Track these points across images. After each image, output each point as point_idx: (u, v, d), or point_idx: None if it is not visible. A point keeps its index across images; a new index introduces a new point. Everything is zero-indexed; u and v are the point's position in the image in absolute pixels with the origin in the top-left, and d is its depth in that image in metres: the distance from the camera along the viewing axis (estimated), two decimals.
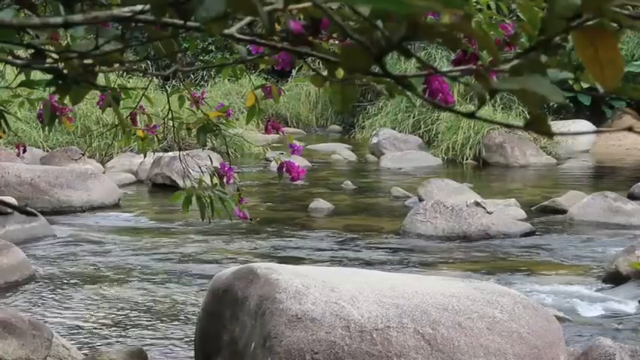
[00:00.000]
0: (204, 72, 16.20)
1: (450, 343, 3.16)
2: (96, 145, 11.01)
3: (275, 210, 8.64)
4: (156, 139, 3.25)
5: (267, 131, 2.88)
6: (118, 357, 4.01)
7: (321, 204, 8.60)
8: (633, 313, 5.23)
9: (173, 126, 3.01)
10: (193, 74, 15.51)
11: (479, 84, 0.81)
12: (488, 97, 0.80)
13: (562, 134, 0.83)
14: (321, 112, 17.13)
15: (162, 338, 4.75)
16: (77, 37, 1.22)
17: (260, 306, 3.39)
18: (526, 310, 3.43)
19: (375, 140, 13.16)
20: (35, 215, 1.62)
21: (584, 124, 13.52)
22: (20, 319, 4.00)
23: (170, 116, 2.95)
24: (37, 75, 3.02)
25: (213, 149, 9.52)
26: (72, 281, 5.89)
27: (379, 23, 0.79)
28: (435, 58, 14.03)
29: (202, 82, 16.05)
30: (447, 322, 3.22)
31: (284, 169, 2.60)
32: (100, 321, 5.03)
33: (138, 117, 3.07)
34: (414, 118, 13.93)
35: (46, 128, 9.76)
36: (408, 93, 0.89)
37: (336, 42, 1.21)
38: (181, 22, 0.99)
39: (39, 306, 5.33)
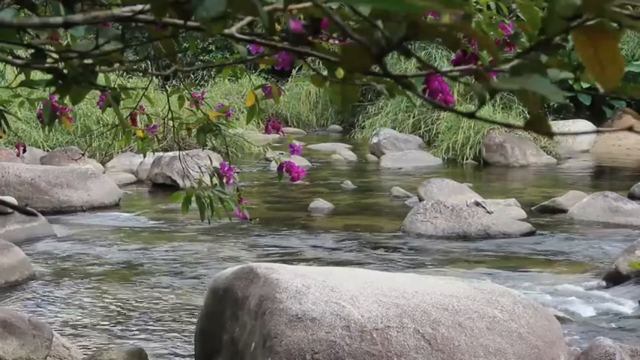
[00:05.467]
0: (204, 72, 16.20)
1: (450, 342, 3.16)
2: (96, 145, 11.02)
3: (275, 210, 8.64)
4: (156, 139, 3.25)
5: (267, 131, 2.88)
6: (118, 357, 4.01)
7: (321, 204, 8.60)
8: (633, 313, 5.23)
9: (173, 126, 3.01)
10: (193, 74, 15.52)
11: (479, 84, 0.81)
12: (488, 97, 0.80)
13: (562, 134, 0.83)
14: (321, 112, 17.14)
15: (162, 338, 4.75)
16: (77, 37, 1.22)
17: (260, 306, 3.39)
18: (526, 310, 3.43)
19: (375, 140, 13.16)
20: (35, 215, 1.62)
21: (584, 124, 13.53)
22: (20, 319, 4.00)
23: (170, 116, 2.95)
24: (37, 75, 3.02)
25: (213, 149, 9.53)
26: (72, 281, 5.89)
27: (379, 23, 0.79)
28: (435, 58, 14.03)
29: (202, 82, 16.06)
30: (447, 321, 3.22)
31: (284, 169, 2.60)
32: (100, 321, 5.03)
33: (138, 117, 3.07)
34: (414, 118, 13.93)
35: (46, 128, 9.77)
36: (408, 93, 0.89)
37: (336, 42, 1.21)
38: (181, 22, 0.99)
39: (39, 306, 5.33)
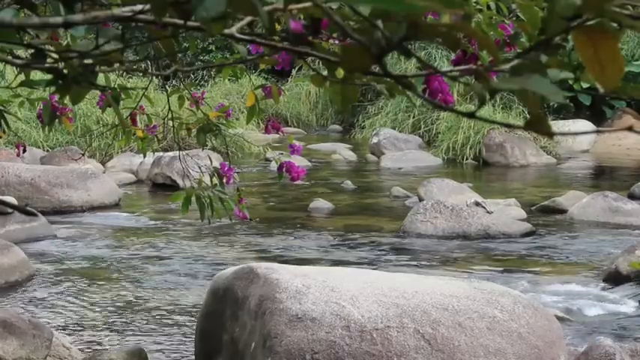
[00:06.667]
0: (204, 72, 16.20)
1: (450, 343, 3.16)
2: (96, 145, 11.02)
3: (275, 210, 8.64)
4: (156, 139, 3.25)
5: (267, 131, 2.89)
6: (118, 357, 4.01)
7: (321, 204, 8.60)
8: (633, 313, 5.23)
9: (173, 126, 3.01)
10: (193, 74, 15.52)
11: (479, 84, 0.81)
12: (488, 97, 0.80)
13: (562, 134, 0.83)
14: (321, 112, 17.14)
15: (162, 338, 4.75)
16: (77, 37, 1.22)
17: (260, 306, 3.39)
18: (526, 310, 3.43)
19: (375, 140, 13.16)
20: (35, 215, 1.62)
21: (584, 124, 13.53)
22: (20, 319, 4.00)
23: (170, 116, 2.95)
24: (37, 75, 3.02)
25: (213, 149, 9.53)
26: (72, 281, 5.89)
27: (379, 23, 0.79)
28: (435, 58, 14.03)
29: (202, 82, 16.06)
30: (447, 321, 3.22)
31: (284, 169, 2.60)
32: (100, 321, 5.03)
33: (138, 117, 3.07)
34: (414, 118, 13.93)
35: (46, 128, 9.77)
36: (408, 93, 0.89)
37: (336, 42, 1.21)
38: (181, 22, 0.99)
39: (39, 306, 5.33)
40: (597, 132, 13.24)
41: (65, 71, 1.20)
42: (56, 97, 2.12)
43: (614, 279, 5.75)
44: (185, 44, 4.99)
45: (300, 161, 10.40)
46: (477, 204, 7.65)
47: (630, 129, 0.81)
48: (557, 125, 12.55)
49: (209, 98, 4.09)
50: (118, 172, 10.37)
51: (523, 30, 0.95)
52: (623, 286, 5.63)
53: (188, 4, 0.87)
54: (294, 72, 16.28)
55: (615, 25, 0.75)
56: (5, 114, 2.30)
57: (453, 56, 1.31)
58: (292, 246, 7.00)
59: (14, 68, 1.60)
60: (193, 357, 4.15)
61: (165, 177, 9.74)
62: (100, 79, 1.39)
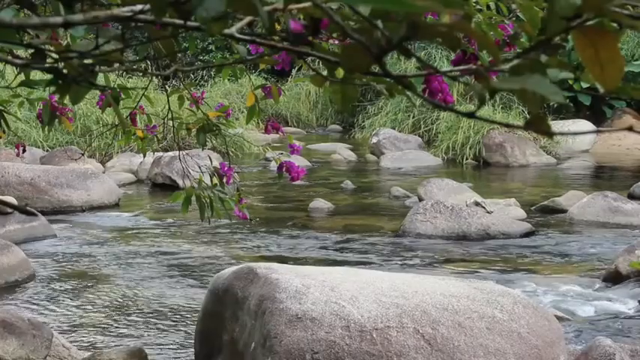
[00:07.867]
0: (204, 72, 16.21)
1: (450, 342, 3.16)
2: (96, 144, 11.02)
3: (275, 210, 8.64)
4: (156, 139, 3.25)
5: (267, 131, 2.89)
6: (118, 357, 4.01)
7: (321, 204, 8.60)
8: (633, 313, 5.23)
9: (173, 126, 3.01)
10: (193, 74, 15.52)
11: (479, 84, 0.81)
12: (488, 97, 0.80)
13: (562, 134, 0.83)
14: (321, 111, 17.16)
15: (162, 338, 4.75)
16: (77, 37, 1.21)
17: (260, 306, 3.39)
18: (526, 310, 3.43)
19: (375, 140, 13.17)
20: (35, 215, 1.62)
21: (584, 124, 13.53)
22: (20, 319, 4.00)
23: (170, 116, 2.95)
24: (37, 75, 3.01)
25: (213, 149, 9.53)
26: (72, 281, 5.89)
27: (379, 23, 0.79)
28: (435, 58, 14.04)
29: (202, 82, 16.07)
30: (447, 321, 3.22)
31: (284, 169, 2.60)
32: (99, 321, 5.03)
33: (138, 117, 3.07)
34: (414, 118, 13.94)
35: (46, 128, 9.77)
36: (408, 93, 0.89)
37: (336, 42, 1.21)
38: (181, 22, 0.99)
39: (39, 306, 5.33)
40: (597, 132, 13.24)
41: (65, 71, 1.20)
42: (56, 97, 2.12)
43: (614, 279, 5.75)
44: (185, 44, 4.99)
45: (300, 161, 10.40)
46: (477, 204, 7.65)
47: (630, 129, 0.81)
48: (557, 125, 12.56)
49: (209, 98, 4.09)
50: (117, 172, 10.38)
51: (523, 30, 0.95)
52: (623, 286, 5.63)
53: (188, 4, 0.87)
54: (294, 72, 16.29)
55: (615, 25, 0.75)
56: (5, 114, 2.30)
57: (453, 56, 1.31)
58: (292, 246, 7.00)
59: (14, 68, 1.60)
60: (193, 357, 4.15)
61: (165, 177, 9.74)
62: (100, 79, 1.39)
